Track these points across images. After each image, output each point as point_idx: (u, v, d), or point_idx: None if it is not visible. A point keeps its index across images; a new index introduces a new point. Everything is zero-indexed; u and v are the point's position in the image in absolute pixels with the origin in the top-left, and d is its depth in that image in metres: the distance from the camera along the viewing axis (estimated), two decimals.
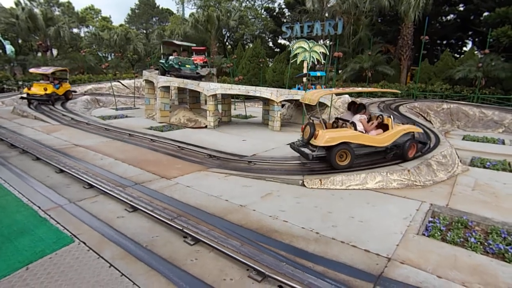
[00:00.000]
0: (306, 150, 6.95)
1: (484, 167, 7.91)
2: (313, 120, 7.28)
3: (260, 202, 5.48)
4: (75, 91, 20.19)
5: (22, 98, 16.54)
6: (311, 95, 7.25)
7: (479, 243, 4.18)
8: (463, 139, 11.93)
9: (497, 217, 4.97)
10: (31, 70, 17.93)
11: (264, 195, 5.80)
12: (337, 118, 7.76)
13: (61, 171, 6.62)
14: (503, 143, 11.24)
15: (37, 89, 16.05)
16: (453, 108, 15.03)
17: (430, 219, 4.92)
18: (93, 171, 6.81)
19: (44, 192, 5.51)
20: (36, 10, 30.21)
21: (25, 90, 16.30)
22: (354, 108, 7.65)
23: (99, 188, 5.67)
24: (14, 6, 32.48)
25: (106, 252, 3.72)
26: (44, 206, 4.87)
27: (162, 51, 16.56)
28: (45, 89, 16.14)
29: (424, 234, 4.44)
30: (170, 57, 14.73)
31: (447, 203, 5.57)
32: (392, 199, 5.80)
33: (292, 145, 7.55)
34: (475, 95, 17.52)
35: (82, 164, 7.32)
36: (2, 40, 27.00)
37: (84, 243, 3.87)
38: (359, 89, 9.63)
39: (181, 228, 4.20)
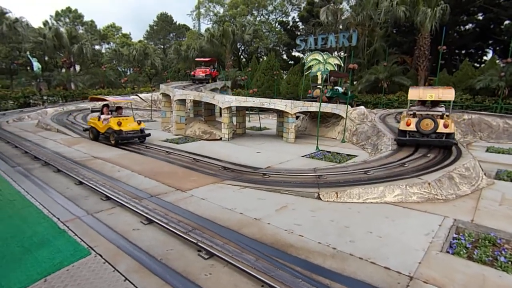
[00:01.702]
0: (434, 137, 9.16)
1: (511, 181, 7.51)
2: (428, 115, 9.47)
3: (275, 215, 5.39)
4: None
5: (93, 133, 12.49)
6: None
7: (510, 262, 3.92)
8: (487, 151, 11.44)
9: None
10: (110, 98, 13.09)
11: (279, 208, 5.71)
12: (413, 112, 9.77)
13: (80, 183, 6.79)
14: None
15: (127, 125, 11.66)
16: (474, 118, 14.51)
17: (454, 235, 4.67)
18: (110, 183, 6.94)
19: (64, 204, 5.65)
20: (62, 29, 31.94)
21: (102, 124, 11.88)
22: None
23: (115, 200, 5.76)
24: (42, 26, 34.53)
25: (121, 265, 3.73)
26: (63, 218, 4.98)
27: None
28: (139, 123, 12.14)
29: (448, 252, 4.21)
30: None
31: (472, 219, 5.29)
32: (412, 213, 5.57)
33: (400, 140, 9.62)
34: (498, 105, 16.88)
35: (100, 176, 7.49)
36: (30, 58, 28.57)
37: (101, 255, 3.90)
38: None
39: (195, 241, 4.18)
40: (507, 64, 17.40)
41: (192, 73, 21.33)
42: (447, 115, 9.44)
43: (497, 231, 4.76)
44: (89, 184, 6.58)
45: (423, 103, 10.33)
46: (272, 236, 4.58)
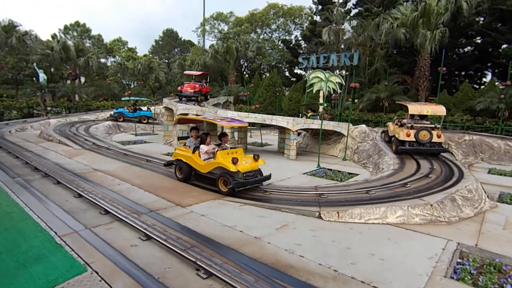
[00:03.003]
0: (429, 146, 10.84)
1: None
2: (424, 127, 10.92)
3: (276, 234, 5.31)
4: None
5: None
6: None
7: None
8: (489, 172, 11.38)
9: None
10: (218, 121, 8.83)
11: (280, 226, 5.63)
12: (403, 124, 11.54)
13: (80, 195, 6.74)
14: None
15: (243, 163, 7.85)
16: (475, 139, 14.52)
17: (459, 260, 4.57)
18: (110, 197, 6.88)
19: (62, 217, 5.59)
20: (70, 42, 32.65)
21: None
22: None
23: (114, 215, 5.69)
24: (50, 39, 35.31)
25: (118, 283, 3.64)
26: (60, 232, 4.91)
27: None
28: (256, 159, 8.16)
29: (452, 277, 4.11)
30: None
31: (476, 243, 5.20)
32: (415, 235, 5.48)
33: (402, 149, 11.02)
34: (499, 127, 16.94)
35: (100, 189, 7.44)
36: (37, 69, 29.07)
37: (97, 272, 3.82)
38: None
39: (194, 260, 4.09)
40: (507, 86, 17.60)
41: (179, 88, 18.81)
42: (437, 127, 11.33)
43: (502, 256, 4.66)
44: (89, 197, 6.53)
45: (412, 117, 12.11)
46: (272, 256, 4.50)
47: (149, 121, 22.72)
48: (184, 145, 8.83)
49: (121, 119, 21.54)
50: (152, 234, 4.88)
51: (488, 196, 7.56)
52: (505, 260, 4.54)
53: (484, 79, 30.33)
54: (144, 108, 23.35)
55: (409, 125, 11.33)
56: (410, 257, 4.62)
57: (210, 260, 4.22)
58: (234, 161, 7.30)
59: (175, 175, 8.69)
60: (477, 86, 28.82)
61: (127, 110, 22.02)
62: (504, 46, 23.30)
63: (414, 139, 11.01)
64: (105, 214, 5.81)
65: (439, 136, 11.08)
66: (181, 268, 4.08)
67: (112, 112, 22.45)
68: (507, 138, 14.75)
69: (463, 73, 30.35)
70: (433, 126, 11.41)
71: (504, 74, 22.12)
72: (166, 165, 9.13)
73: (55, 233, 4.85)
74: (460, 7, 19.69)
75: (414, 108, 11.71)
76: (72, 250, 4.35)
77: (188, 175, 8.37)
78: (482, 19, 25.00)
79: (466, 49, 28.33)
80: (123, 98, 24.17)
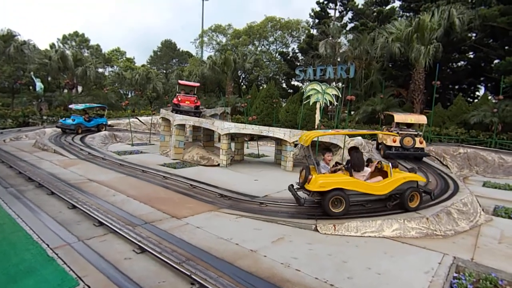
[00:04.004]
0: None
1: (509, 217, 7.45)
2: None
3: (272, 247, 5.26)
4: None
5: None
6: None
7: None
8: (484, 185, 11.45)
9: None
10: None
11: (276, 239, 5.58)
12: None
13: (74, 206, 6.65)
14: None
15: None
16: (470, 152, 14.67)
17: (455, 274, 4.56)
18: (104, 208, 6.81)
19: (55, 229, 5.50)
20: (68, 52, 32.83)
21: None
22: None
23: (109, 227, 5.62)
24: (48, 48, 35.46)
25: None
26: (52, 244, 4.83)
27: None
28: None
29: None
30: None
31: (472, 257, 5.19)
32: (411, 249, 5.46)
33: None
34: (493, 140, 17.15)
35: (95, 200, 7.36)
36: (34, 78, 29.05)
37: (89, 286, 3.75)
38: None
39: (189, 273, 4.04)
40: (499, 101, 17.92)
41: (175, 100, 17.17)
42: (420, 135, 12.81)
43: (498, 271, 4.66)
44: (83, 209, 6.45)
45: (398, 125, 13.61)
46: (268, 270, 4.45)
47: (106, 128, 21.19)
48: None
49: (80, 131, 19.24)
50: (146, 246, 4.82)
51: (483, 210, 7.59)
52: (501, 275, 4.54)
53: (477, 93, 30.84)
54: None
55: (396, 132, 12.80)
56: (406, 272, 4.59)
57: (205, 274, 4.16)
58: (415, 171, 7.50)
59: (328, 210, 6.45)
60: (471, 100, 29.26)
61: (85, 120, 20.02)
62: (496, 61, 23.81)
63: (399, 145, 12.48)
64: (99, 226, 5.74)
65: (421, 142, 12.63)
66: (175, 282, 4.02)
67: (61, 122, 19.70)
68: (501, 151, 14.94)
69: (456, 87, 30.86)
70: (416, 133, 12.94)
71: (496, 88, 22.53)
72: (302, 204, 6.66)
73: (47, 245, 4.77)
74: (452, 23, 20.21)
75: (400, 117, 13.63)
76: (64, 263, 4.27)
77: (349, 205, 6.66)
78: (474, 35, 25.62)
79: (459, 64, 28.89)
80: (71, 106, 21.42)
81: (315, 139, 12.63)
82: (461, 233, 6.33)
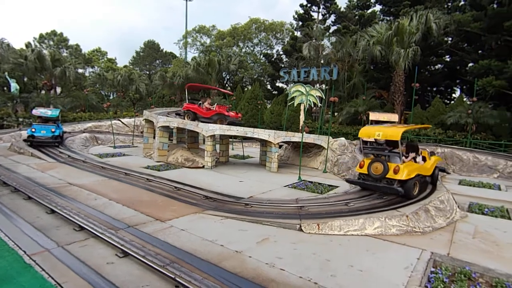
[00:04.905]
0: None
1: (483, 214, 7.82)
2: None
3: (257, 248, 5.30)
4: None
5: None
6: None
7: None
8: (460, 183, 11.95)
9: (501, 268, 4.81)
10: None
11: (261, 240, 5.62)
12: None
13: (53, 211, 6.44)
14: (499, 188, 11.24)
15: None
16: (447, 152, 15.26)
17: (432, 269, 4.74)
18: (85, 212, 6.63)
19: (32, 235, 5.31)
20: (45, 52, 31.63)
21: None
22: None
23: (90, 231, 5.48)
24: (24, 47, 34.12)
25: None
26: (30, 251, 4.67)
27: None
28: None
29: (426, 286, 4.24)
30: None
31: (448, 252, 5.42)
32: (392, 246, 5.64)
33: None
34: (468, 140, 17.92)
35: (75, 204, 7.15)
36: (8, 78, 27.86)
37: None
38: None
39: (173, 276, 4.01)
40: (474, 102, 18.75)
41: (193, 106, 14.20)
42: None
43: (472, 264, 4.89)
44: (62, 213, 6.26)
45: (371, 123, 15.08)
46: (253, 270, 4.48)
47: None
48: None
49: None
50: (129, 250, 4.74)
51: (458, 207, 7.92)
52: (474, 268, 4.76)
53: (453, 95, 32.16)
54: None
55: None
56: (387, 268, 4.74)
57: (190, 276, 4.14)
58: None
59: (412, 194, 7.65)
60: (448, 102, 30.46)
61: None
62: (470, 64, 24.93)
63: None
64: (80, 230, 5.59)
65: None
66: (159, 285, 3.98)
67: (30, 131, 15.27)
68: (475, 150, 15.62)
69: (434, 89, 32.05)
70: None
71: (471, 90, 23.56)
72: (401, 192, 7.57)
73: (24, 252, 4.61)
74: (430, 28, 20.99)
75: (374, 115, 16.15)
76: (43, 270, 4.13)
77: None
78: (450, 39, 26.73)
79: (437, 67, 30.01)
80: (37, 111, 17.01)
81: (298, 139, 12.79)
82: (438, 229, 6.59)
